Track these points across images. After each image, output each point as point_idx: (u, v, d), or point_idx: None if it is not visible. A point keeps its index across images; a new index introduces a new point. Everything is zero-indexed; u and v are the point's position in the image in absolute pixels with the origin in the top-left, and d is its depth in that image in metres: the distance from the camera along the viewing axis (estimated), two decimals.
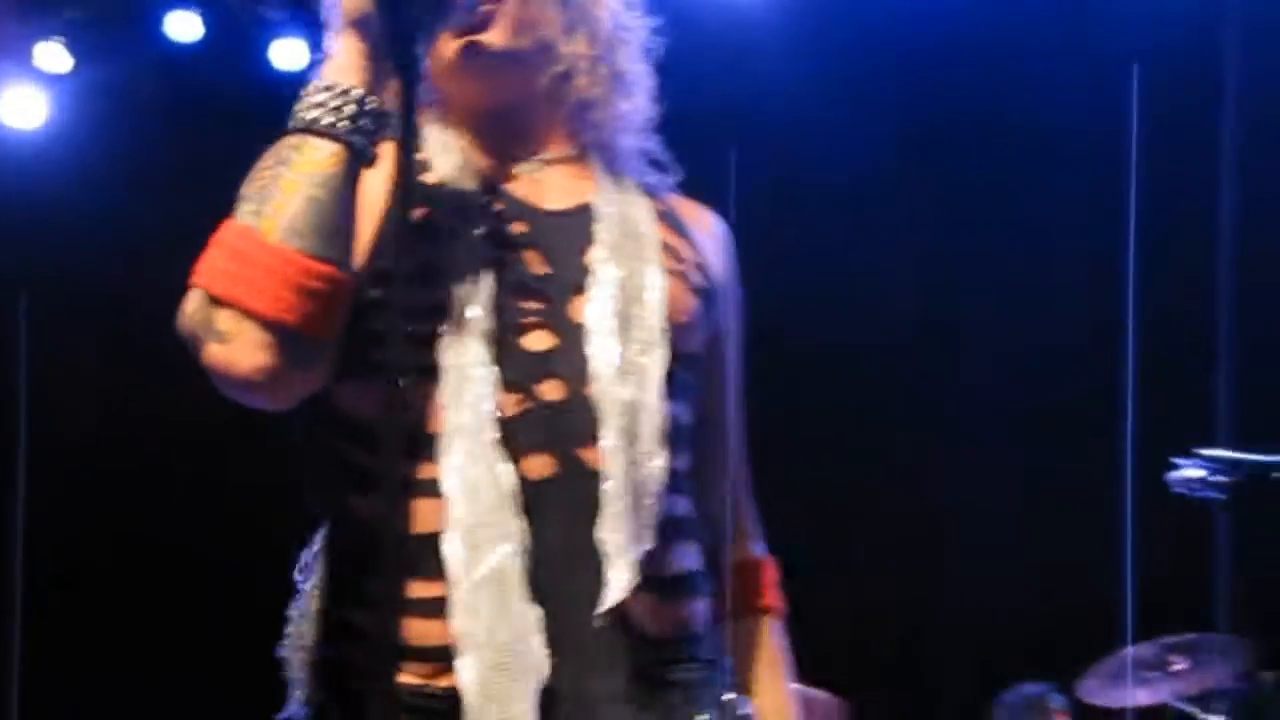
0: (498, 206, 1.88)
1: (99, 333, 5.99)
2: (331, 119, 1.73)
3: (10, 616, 6.10)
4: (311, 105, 1.74)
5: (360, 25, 1.75)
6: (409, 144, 1.65)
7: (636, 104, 2.02)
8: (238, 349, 1.70)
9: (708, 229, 2.06)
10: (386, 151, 1.75)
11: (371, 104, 1.75)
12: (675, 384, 1.88)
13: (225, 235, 1.73)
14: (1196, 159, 5.19)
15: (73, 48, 5.68)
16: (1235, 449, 4.13)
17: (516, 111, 1.97)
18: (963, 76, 5.51)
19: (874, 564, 5.67)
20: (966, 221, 5.59)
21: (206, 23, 5.63)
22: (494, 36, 1.90)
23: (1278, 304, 5.08)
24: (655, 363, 1.84)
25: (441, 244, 1.82)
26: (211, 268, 1.72)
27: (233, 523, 5.73)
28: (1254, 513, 3.84)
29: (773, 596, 2.08)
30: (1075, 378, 5.27)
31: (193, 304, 1.73)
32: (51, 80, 5.76)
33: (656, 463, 1.81)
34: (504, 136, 1.96)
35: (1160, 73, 5.21)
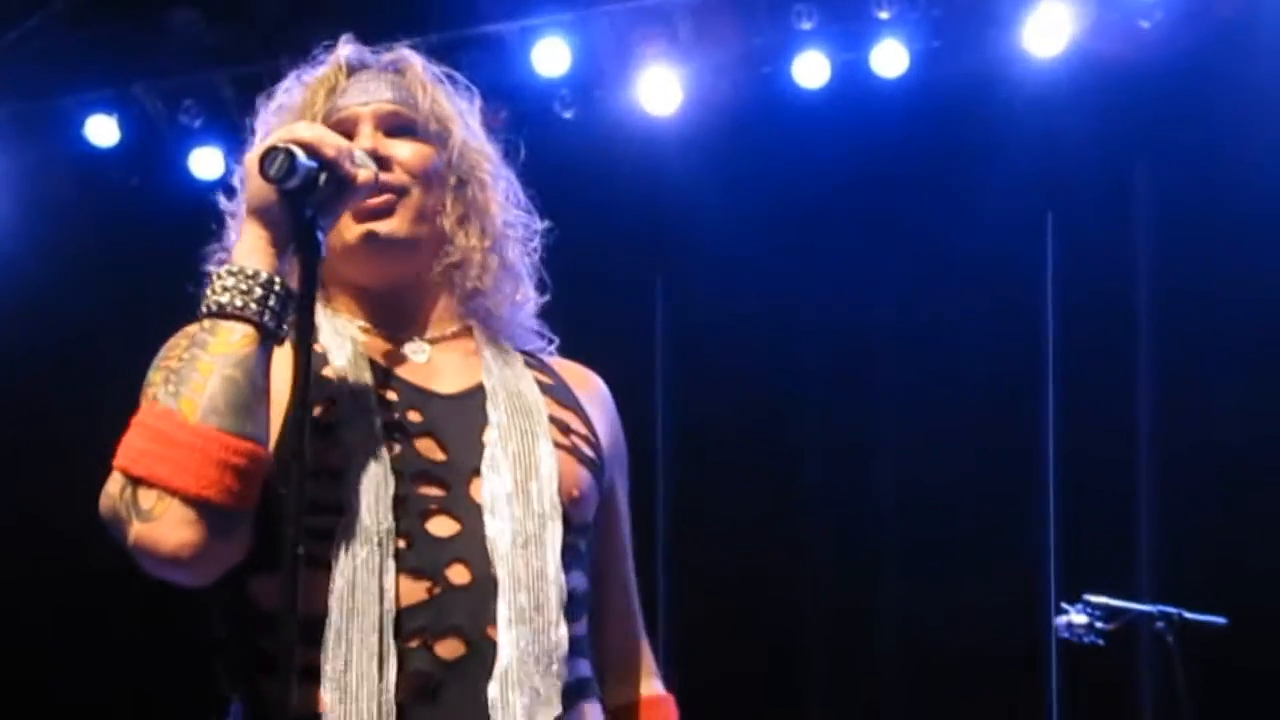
0: (392, 396, 1.94)
1: (13, 433, 5.94)
2: (242, 301, 1.80)
3: None
4: (222, 289, 1.81)
5: (264, 213, 1.83)
6: (308, 322, 1.77)
7: (522, 290, 2.13)
8: (162, 526, 1.76)
9: (591, 391, 2.14)
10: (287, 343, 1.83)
11: (279, 286, 1.82)
12: (572, 554, 1.95)
13: (145, 417, 1.80)
14: (1111, 302, 5.34)
15: None
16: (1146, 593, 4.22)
17: (408, 292, 2.05)
18: (879, 217, 5.60)
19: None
20: (885, 360, 5.65)
21: (124, 129, 5.64)
22: (395, 225, 2.00)
23: (1192, 440, 5.19)
24: (553, 536, 1.90)
25: (340, 438, 1.87)
26: (133, 449, 1.78)
27: (144, 639, 5.67)
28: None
29: None
30: (996, 518, 5.33)
31: (115, 485, 1.79)
32: None
33: (560, 632, 1.88)
34: (394, 314, 2.04)
35: (1075, 218, 5.39)
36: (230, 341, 1.79)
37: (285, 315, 1.83)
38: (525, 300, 2.14)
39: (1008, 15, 5.16)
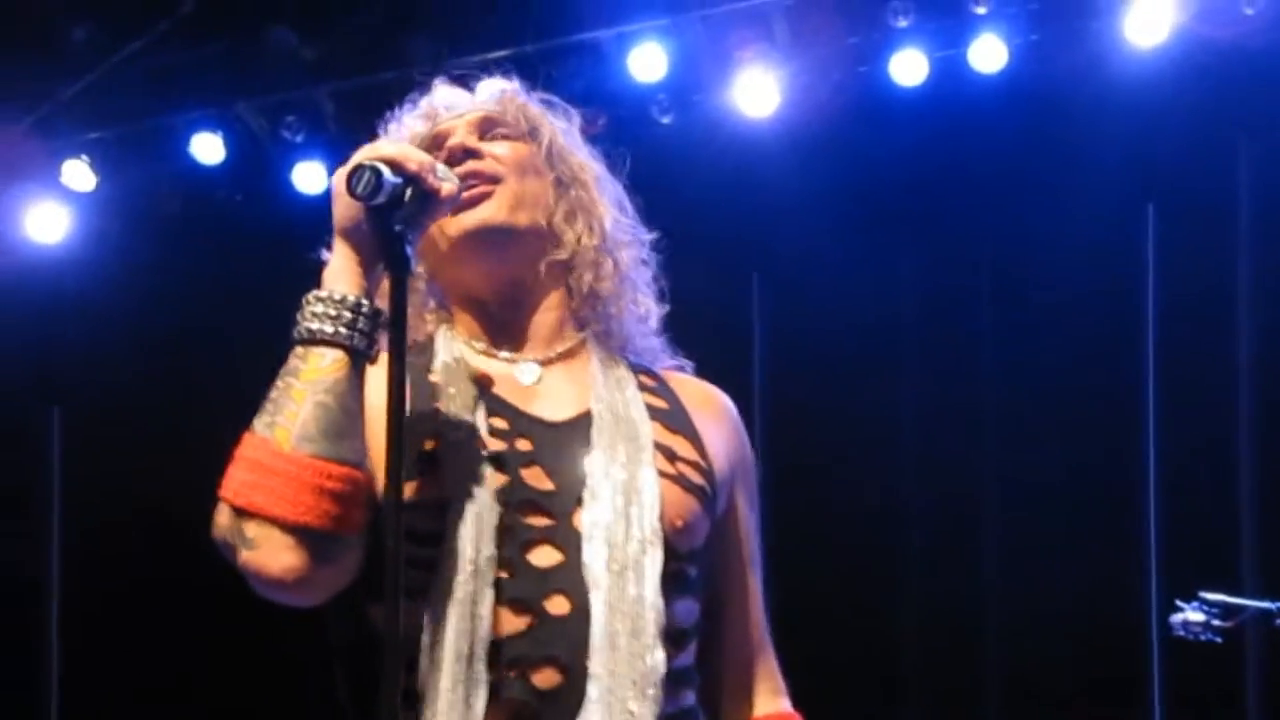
0: (500, 424, 1.95)
1: (128, 445, 6.03)
2: (331, 327, 1.84)
3: None
4: (311, 315, 1.85)
5: (352, 232, 1.86)
6: (401, 342, 1.78)
7: (641, 300, 2.13)
8: (266, 554, 1.80)
9: (711, 412, 2.12)
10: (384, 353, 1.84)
11: (366, 306, 1.85)
12: (678, 582, 1.94)
13: (244, 449, 1.84)
14: (1212, 294, 5.27)
15: (97, 166, 5.78)
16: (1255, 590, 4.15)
17: (521, 297, 2.06)
18: (978, 212, 5.57)
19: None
20: (985, 355, 5.61)
21: (229, 145, 5.72)
22: (492, 210, 2.01)
23: None
24: (652, 562, 1.90)
25: (445, 468, 1.89)
26: (234, 480, 1.82)
27: (269, 637, 5.73)
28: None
29: None
30: (1096, 511, 5.28)
31: (222, 516, 1.83)
32: (75, 197, 5.86)
33: (656, 657, 1.87)
34: (509, 328, 2.05)
35: (1175, 210, 5.33)
36: (321, 367, 1.83)
37: (375, 335, 1.86)
38: (645, 312, 2.14)
39: (1108, 5, 5.10)
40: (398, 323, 1.80)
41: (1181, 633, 3.92)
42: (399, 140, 2.03)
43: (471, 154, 2.03)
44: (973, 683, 5.48)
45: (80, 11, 5.57)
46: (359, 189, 1.80)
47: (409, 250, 1.84)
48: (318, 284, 1.88)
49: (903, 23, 5.17)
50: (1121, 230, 5.37)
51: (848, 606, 5.42)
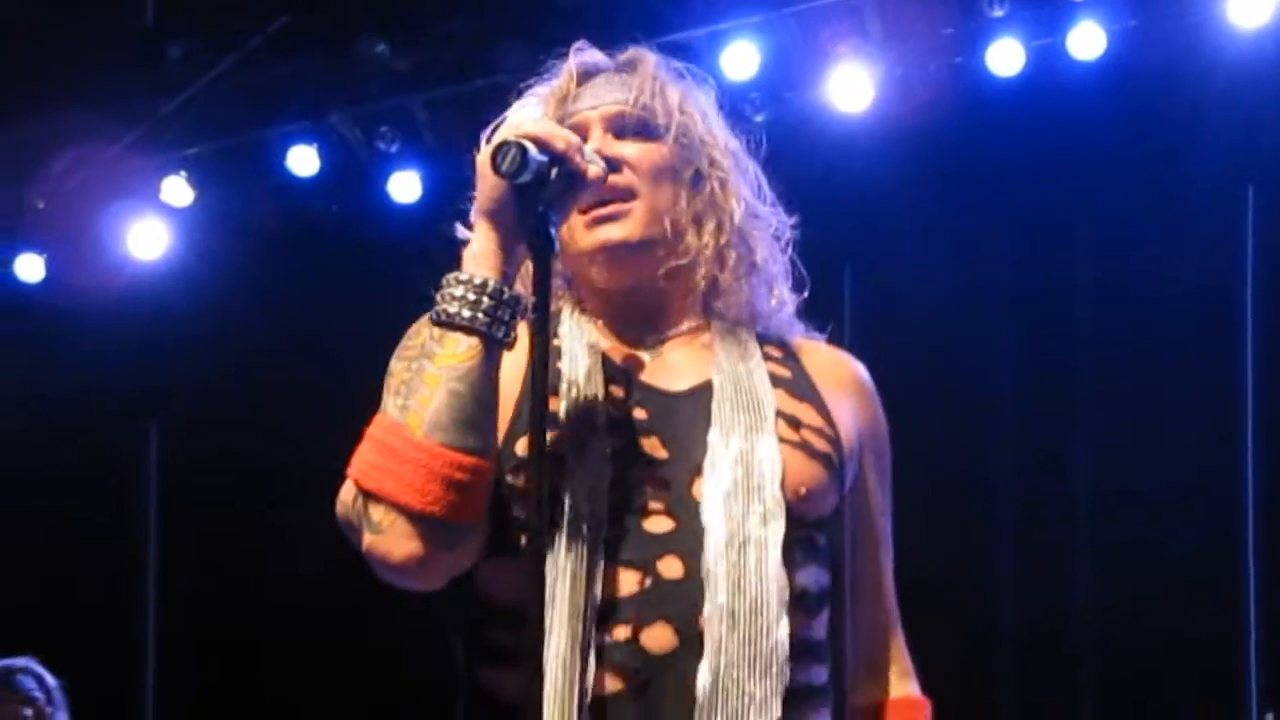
0: (620, 394, 1.93)
1: (226, 458, 6.08)
2: (470, 312, 1.81)
3: None
4: (450, 298, 1.82)
5: (494, 215, 1.83)
6: (544, 324, 1.76)
7: (776, 289, 2.10)
8: (390, 539, 1.79)
9: (841, 381, 2.08)
10: (524, 330, 1.83)
11: (507, 293, 1.82)
12: (804, 551, 1.90)
13: (375, 429, 1.83)
14: None
15: (195, 181, 5.83)
16: None
17: (648, 293, 2.03)
18: (1075, 201, 5.50)
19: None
20: (1080, 345, 5.54)
21: (323, 157, 5.75)
22: (627, 230, 1.99)
23: None
24: (773, 533, 1.85)
25: (567, 435, 1.87)
26: (363, 461, 1.82)
27: (374, 651, 5.77)
28: None
29: None
30: (1194, 504, 5.20)
31: (348, 494, 1.83)
32: (174, 213, 5.91)
33: (780, 633, 1.83)
34: (636, 314, 2.03)
35: (1276, 192, 5.24)
36: (456, 353, 1.80)
37: (514, 321, 1.83)
38: (780, 301, 2.10)
39: None
40: (543, 304, 1.77)
41: None
42: (543, 118, 1.99)
43: (608, 164, 1.98)
44: (1065, 669, 5.40)
45: (176, 29, 5.62)
46: (504, 166, 1.78)
47: (553, 231, 1.81)
48: (457, 265, 1.85)
49: (999, 12, 5.11)
50: (1221, 215, 5.28)
51: (936, 608, 5.34)
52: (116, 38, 5.65)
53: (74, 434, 6.17)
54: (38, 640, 6.08)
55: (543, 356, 1.75)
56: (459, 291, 1.82)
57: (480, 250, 1.84)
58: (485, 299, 1.81)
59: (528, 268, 1.86)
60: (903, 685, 2.09)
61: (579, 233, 1.99)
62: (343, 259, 5.92)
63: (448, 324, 1.81)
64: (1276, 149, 5.20)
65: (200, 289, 5.98)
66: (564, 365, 1.93)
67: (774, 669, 1.81)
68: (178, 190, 5.84)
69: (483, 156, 1.83)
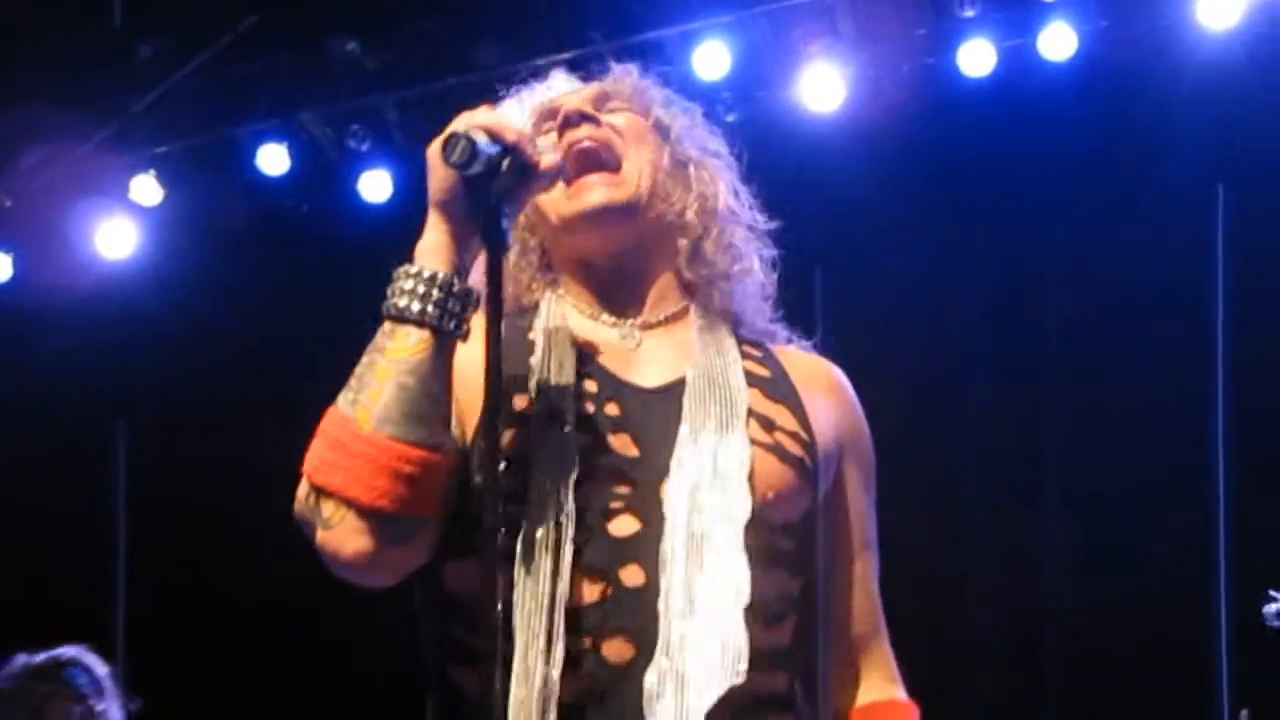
0: (592, 388, 1.91)
1: (195, 457, 6.05)
2: (419, 305, 1.79)
3: None
4: (400, 291, 1.80)
5: (445, 206, 1.82)
6: (497, 318, 1.73)
7: (749, 270, 2.08)
8: (340, 534, 1.79)
9: (819, 385, 2.06)
10: (479, 322, 1.81)
11: (457, 285, 1.80)
12: (769, 556, 1.88)
13: (327, 424, 1.81)
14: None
15: (165, 180, 5.81)
16: None
17: (630, 264, 2.02)
18: (1047, 201, 5.51)
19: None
20: (1052, 344, 5.56)
21: (294, 155, 5.73)
22: (613, 192, 1.97)
23: None
24: (735, 532, 1.84)
25: (535, 431, 1.85)
26: (316, 457, 1.81)
27: (344, 648, 5.75)
28: None
29: None
30: (1165, 504, 5.21)
31: (302, 491, 1.82)
32: (143, 212, 5.88)
33: (739, 634, 1.81)
34: (616, 292, 2.02)
35: (1246, 192, 5.26)
36: (406, 346, 1.79)
37: (465, 315, 1.82)
38: (753, 279, 2.08)
39: None
40: (495, 297, 1.75)
41: (1276, 623, 3.85)
42: (496, 110, 1.97)
43: (588, 119, 1.98)
44: (1035, 668, 5.43)
45: (146, 28, 5.59)
46: (453, 157, 1.76)
47: (505, 223, 1.80)
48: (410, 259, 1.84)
49: (970, 13, 5.12)
50: (1191, 215, 5.30)
51: (906, 594, 5.34)
52: (86, 36, 5.63)
53: (42, 433, 6.13)
54: (6, 639, 6.06)
55: (495, 351, 1.73)
56: (409, 285, 1.80)
57: (431, 243, 1.82)
58: (435, 291, 1.79)
59: (481, 262, 1.85)
60: (888, 689, 2.07)
61: (561, 202, 1.98)
62: (313, 258, 5.89)
63: (397, 318, 1.80)
64: (1246, 149, 5.23)
65: (169, 288, 5.95)
66: (535, 360, 1.91)
67: (728, 670, 1.79)
68: (147, 189, 5.80)
69: (433, 148, 1.81)
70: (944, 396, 5.58)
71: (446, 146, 1.77)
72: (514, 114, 2.04)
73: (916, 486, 5.41)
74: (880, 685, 2.06)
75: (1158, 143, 5.21)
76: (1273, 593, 3.89)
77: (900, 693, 2.08)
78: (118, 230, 5.90)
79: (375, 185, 5.70)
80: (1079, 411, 5.44)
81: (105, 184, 5.82)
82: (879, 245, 5.48)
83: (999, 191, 5.51)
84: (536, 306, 2.01)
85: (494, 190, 1.79)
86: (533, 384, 1.89)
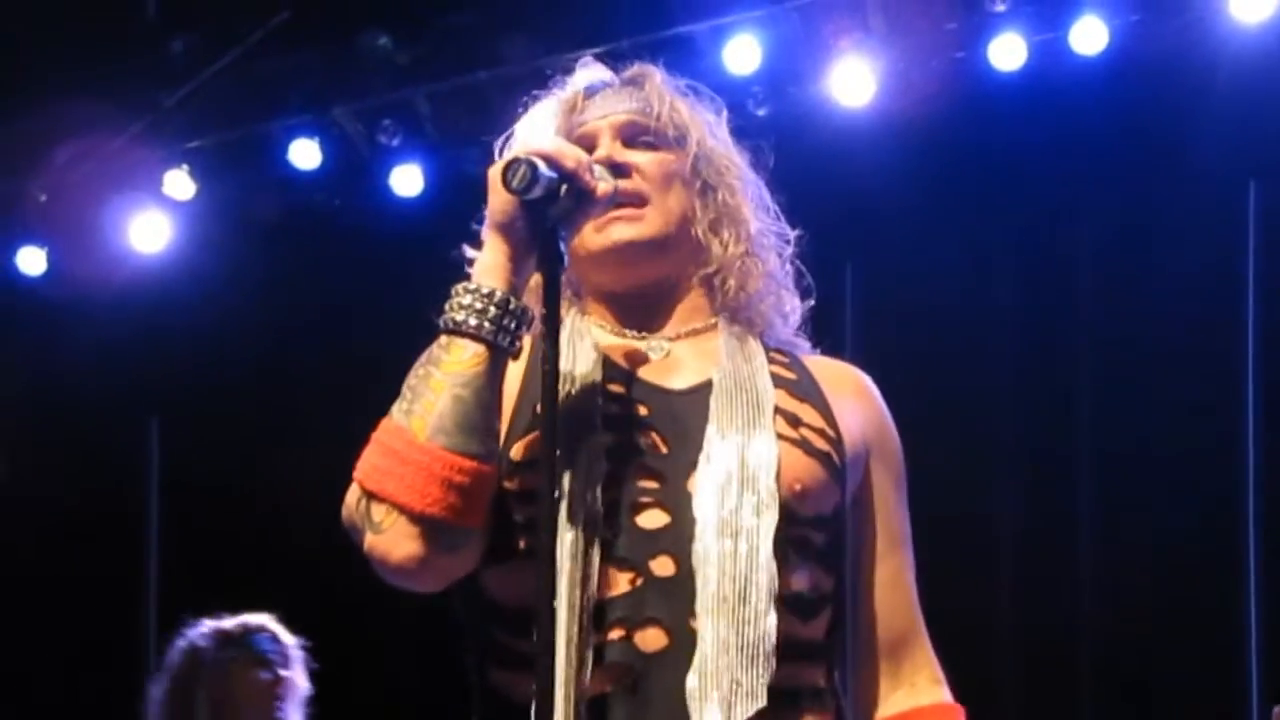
0: (620, 391, 1.95)
1: (228, 453, 6.08)
2: (476, 321, 1.85)
3: None
4: (458, 307, 1.86)
5: (505, 229, 1.87)
6: (554, 336, 1.81)
7: (788, 299, 2.13)
8: (390, 540, 1.83)
9: (844, 386, 2.10)
10: (527, 341, 1.88)
11: (514, 304, 1.86)
12: (800, 548, 1.91)
13: (381, 433, 1.87)
14: None
15: (197, 175, 5.84)
16: None
17: (658, 294, 2.07)
18: (1077, 196, 5.50)
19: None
20: (1082, 339, 5.55)
21: (325, 150, 5.75)
22: (640, 229, 2.03)
23: None
24: (766, 524, 1.87)
25: (565, 433, 1.88)
26: (368, 464, 1.85)
27: (381, 649, 5.77)
28: None
29: None
30: (1196, 499, 5.20)
31: (353, 496, 1.87)
32: (176, 206, 5.92)
33: (768, 623, 1.84)
34: (642, 315, 2.07)
35: (1277, 187, 5.24)
36: (462, 360, 1.84)
37: (519, 332, 1.87)
38: (792, 310, 2.14)
39: None
40: (552, 317, 1.81)
41: None
42: (553, 134, 2.04)
43: (619, 170, 2.02)
44: (1065, 671, 5.41)
45: (179, 23, 5.63)
46: (515, 183, 1.82)
47: (562, 246, 1.86)
48: (465, 277, 1.90)
49: (1001, 7, 5.11)
50: (1223, 210, 5.28)
51: (936, 594, 5.34)
52: (119, 31, 5.66)
53: (75, 428, 6.17)
54: (40, 634, 6.11)
55: (553, 366, 1.79)
56: (467, 300, 1.86)
57: (490, 263, 1.88)
58: (493, 308, 1.85)
59: (536, 281, 1.90)
60: (934, 691, 2.07)
61: (588, 237, 2.02)
62: (345, 252, 5.92)
63: (455, 331, 1.86)
64: (1278, 145, 5.20)
65: (202, 282, 5.98)
66: (563, 364, 1.93)
67: (760, 658, 1.82)
68: (180, 183, 5.84)
69: (494, 172, 1.87)
70: (973, 389, 5.57)
71: (508, 172, 1.83)
72: (543, 124, 2.07)
73: (946, 478, 5.42)
74: (926, 688, 2.07)
75: (1190, 137, 5.18)
76: None
77: (946, 694, 2.09)
78: (151, 224, 5.93)
79: (407, 180, 5.72)
80: (1108, 408, 5.43)
81: (138, 178, 5.85)
82: (909, 239, 5.48)
83: (1029, 186, 5.50)
84: (561, 322, 2.03)
85: (551, 215, 1.85)
86: (560, 388, 1.91)
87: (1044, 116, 5.33)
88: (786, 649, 1.85)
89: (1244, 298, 5.24)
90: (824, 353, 2.20)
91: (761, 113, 5.40)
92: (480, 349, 1.85)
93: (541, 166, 1.82)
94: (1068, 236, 5.55)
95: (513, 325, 1.86)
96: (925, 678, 2.07)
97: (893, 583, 2.08)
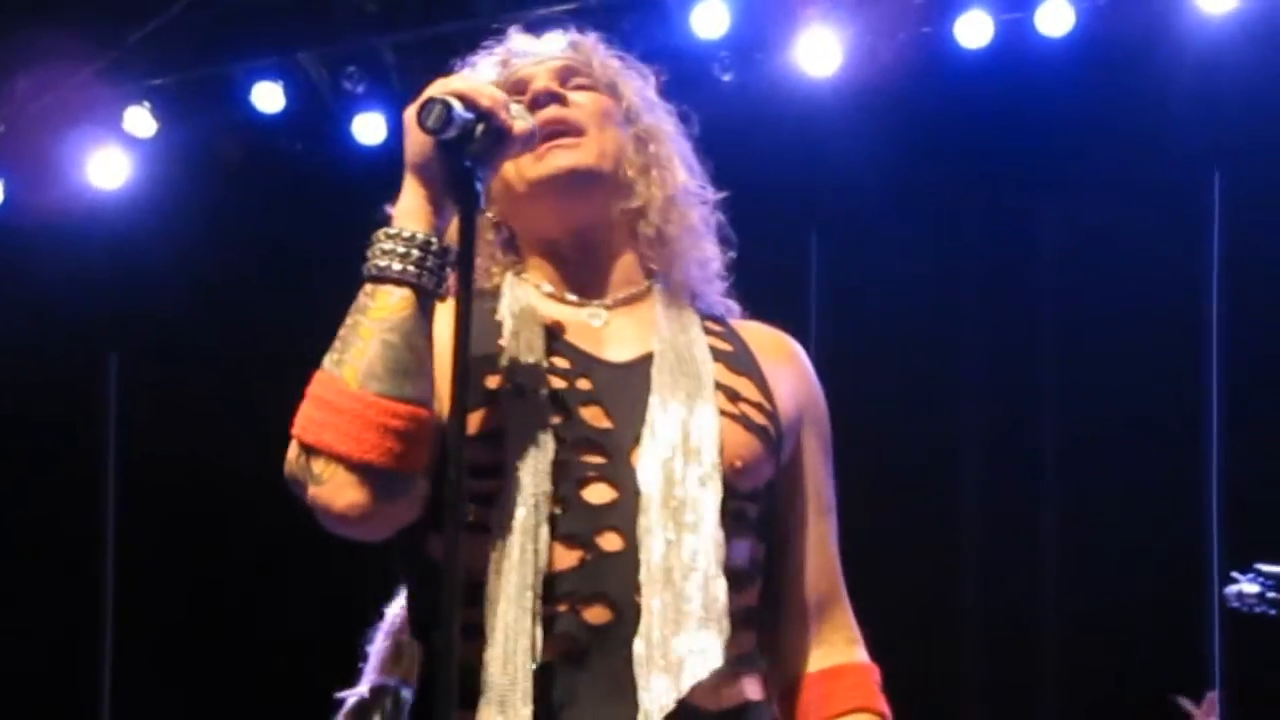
0: (563, 364, 1.96)
1: (184, 388, 6.07)
2: (400, 265, 1.84)
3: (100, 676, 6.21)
4: (381, 253, 1.85)
5: (422, 168, 1.86)
6: (468, 278, 1.79)
7: (707, 249, 2.13)
8: (331, 489, 1.83)
9: (779, 357, 2.11)
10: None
11: (435, 245, 1.86)
12: (738, 521, 1.94)
13: (314, 386, 1.86)
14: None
15: (159, 113, 5.81)
16: None
17: (594, 242, 2.07)
18: (1041, 175, 5.53)
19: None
20: (1045, 319, 5.58)
21: (289, 94, 5.73)
22: (580, 156, 2.02)
23: None
24: (711, 498, 1.90)
25: (505, 405, 1.90)
26: (304, 417, 1.85)
27: (325, 581, 5.77)
28: None
29: (882, 701, 2.09)
30: (1158, 483, 5.25)
31: (292, 452, 1.86)
32: (137, 143, 5.88)
33: (718, 587, 1.87)
34: (580, 273, 2.06)
35: (1242, 176, 5.28)
36: (389, 305, 1.83)
37: (444, 273, 1.86)
38: (709, 257, 2.14)
39: None
40: (466, 259, 1.80)
41: (1236, 604, 3.88)
42: (472, 76, 2.03)
43: (556, 98, 2.03)
44: (1028, 658, 5.46)
45: None
46: (429, 123, 1.80)
47: (479, 187, 1.84)
48: (387, 222, 1.89)
49: None
50: (1186, 196, 5.32)
51: (897, 579, 5.40)
52: None
53: (32, 362, 6.14)
54: None
55: (466, 314, 1.77)
56: (389, 245, 1.85)
57: (409, 205, 1.86)
58: (415, 251, 1.84)
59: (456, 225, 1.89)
60: (850, 651, 2.09)
61: (527, 167, 2.01)
62: (305, 197, 5.90)
63: (379, 278, 1.85)
64: (1242, 134, 5.24)
65: (161, 220, 5.96)
66: (505, 340, 1.96)
67: (712, 623, 1.85)
68: (141, 120, 5.81)
69: (409, 113, 1.86)
70: (937, 362, 5.61)
71: (422, 112, 1.81)
72: (486, 77, 2.08)
73: (909, 449, 5.45)
74: (843, 647, 2.10)
75: (1153, 124, 5.22)
76: (1235, 574, 3.91)
77: (861, 654, 2.11)
78: (110, 161, 5.90)
79: (369, 128, 5.71)
80: (1073, 380, 5.46)
81: (99, 113, 5.82)
82: (874, 209, 5.50)
83: (993, 162, 5.53)
84: (498, 290, 2.05)
85: (468, 154, 1.83)
86: (503, 363, 1.93)
87: (1008, 95, 5.35)
88: (731, 616, 1.89)
89: (1208, 280, 5.28)
90: (786, 321, 2.22)
91: (727, 78, 5.41)
92: (406, 293, 1.84)
93: (457, 106, 1.81)
94: (1032, 215, 5.59)
95: (436, 267, 1.85)
96: (843, 638, 2.10)
97: (818, 548, 2.10)
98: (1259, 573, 3.87)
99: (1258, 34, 5.04)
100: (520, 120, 1.90)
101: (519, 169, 2.01)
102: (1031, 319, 5.59)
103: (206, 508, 6.01)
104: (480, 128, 1.83)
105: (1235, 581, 3.89)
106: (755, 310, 2.21)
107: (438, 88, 1.84)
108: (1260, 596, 3.85)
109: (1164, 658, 5.13)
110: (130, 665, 6.27)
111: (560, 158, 2.01)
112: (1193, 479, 5.22)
